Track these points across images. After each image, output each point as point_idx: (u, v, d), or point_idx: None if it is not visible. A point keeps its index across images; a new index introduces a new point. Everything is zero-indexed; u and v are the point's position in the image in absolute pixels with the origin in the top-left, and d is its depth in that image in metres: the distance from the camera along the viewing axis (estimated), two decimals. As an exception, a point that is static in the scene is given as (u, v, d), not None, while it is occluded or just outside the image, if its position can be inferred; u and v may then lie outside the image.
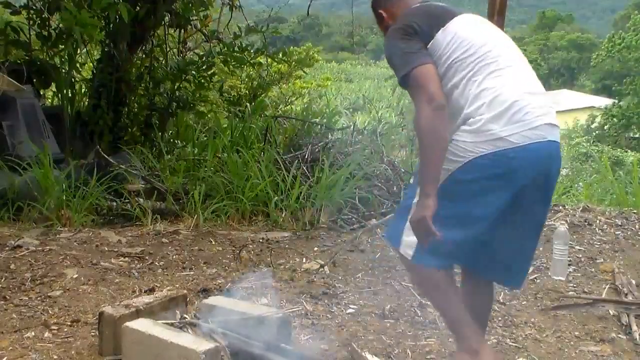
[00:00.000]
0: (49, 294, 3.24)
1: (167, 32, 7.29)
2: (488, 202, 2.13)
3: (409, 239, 2.20)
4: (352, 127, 7.45)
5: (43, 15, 5.97)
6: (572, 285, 3.70)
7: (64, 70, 6.34)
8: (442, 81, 2.15)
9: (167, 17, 6.93)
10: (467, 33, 2.20)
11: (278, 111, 9.82)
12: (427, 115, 2.06)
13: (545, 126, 2.11)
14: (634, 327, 3.03)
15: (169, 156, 6.07)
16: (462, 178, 2.13)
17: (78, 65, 6.76)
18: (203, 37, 7.65)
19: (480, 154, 2.09)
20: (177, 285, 3.43)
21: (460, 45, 2.17)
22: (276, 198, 5.02)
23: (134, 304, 2.64)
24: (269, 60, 7.99)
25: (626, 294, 3.47)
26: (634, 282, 3.66)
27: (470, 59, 2.16)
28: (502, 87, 2.11)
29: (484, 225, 2.16)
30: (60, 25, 5.77)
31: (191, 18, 7.07)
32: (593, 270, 3.97)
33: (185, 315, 2.49)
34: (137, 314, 2.56)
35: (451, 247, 2.17)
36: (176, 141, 7.01)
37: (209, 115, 7.66)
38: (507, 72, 2.15)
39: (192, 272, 3.72)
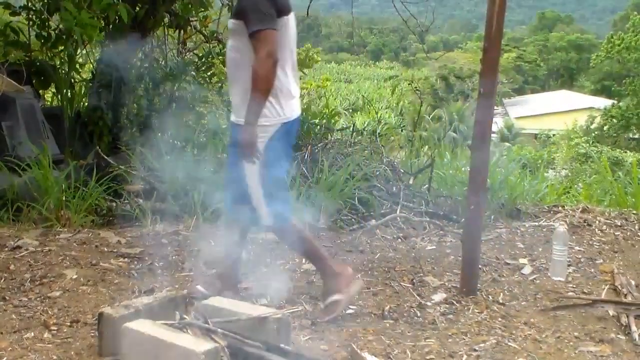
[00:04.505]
0: (48, 295, 3.24)
1: (166, 33, 7.28)
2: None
3: (263, 211, 2.97)
4: (351, 127, 7.45)
5: (43, 16, 5.96)
6: (571, 285, 3.71)
7: (63, 71, 6.33)
8: None
9: (166, 18, 6.93)
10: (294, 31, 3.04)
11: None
12: (268, 67, 2.78)
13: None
14: (634, 328, 3.03)
15: (168, 156, 6.06)
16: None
17: (78, 65, 6.76)
18: (202, 37, 7.65)
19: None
20: (177, 286, 3.44)
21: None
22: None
23: (133, 305, 2.64)
24: (269, 60, 7.98)
25: (625, 295, 3.47)
26: (633, 282, 3.66)
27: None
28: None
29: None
30: (60, 25, 5.77)
31: (191, 19, 7.07)
32: (592, 270, 3.97)
33: (185, 316, 2.49)
34: (137, 314, 2.56)
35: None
36: (176, 141, 6.99)
37: (208, 116, 7.64)
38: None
39: (192, 272, 3.72)
